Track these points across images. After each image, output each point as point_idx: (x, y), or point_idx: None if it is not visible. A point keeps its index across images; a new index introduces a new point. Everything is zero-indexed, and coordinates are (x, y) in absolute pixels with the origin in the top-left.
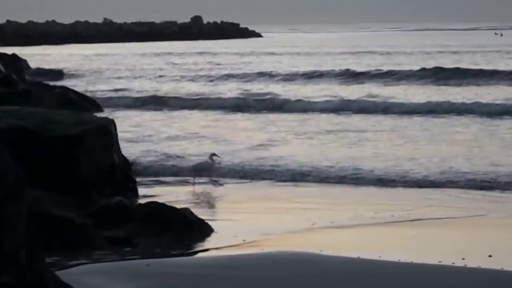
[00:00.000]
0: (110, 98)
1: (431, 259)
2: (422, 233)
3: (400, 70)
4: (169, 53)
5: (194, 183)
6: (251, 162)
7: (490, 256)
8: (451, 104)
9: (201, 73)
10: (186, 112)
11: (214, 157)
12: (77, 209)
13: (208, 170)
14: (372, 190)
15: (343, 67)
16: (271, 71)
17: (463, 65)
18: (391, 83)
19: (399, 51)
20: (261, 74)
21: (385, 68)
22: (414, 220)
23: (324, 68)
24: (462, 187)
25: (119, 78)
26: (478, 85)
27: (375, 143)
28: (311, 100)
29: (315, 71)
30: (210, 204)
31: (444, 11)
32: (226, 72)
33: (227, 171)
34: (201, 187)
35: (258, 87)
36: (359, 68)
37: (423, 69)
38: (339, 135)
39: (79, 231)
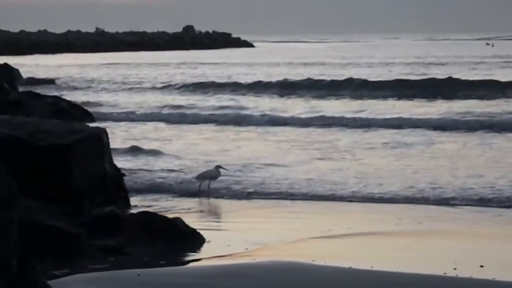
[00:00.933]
0: None
1: (422, 269)
2: (413, 243)
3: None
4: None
5: (199, 190)
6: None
7: (481, 266)
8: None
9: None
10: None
11: (220, 169)
12: (69, 218)
13: (213, 179)
14: (360, 204)
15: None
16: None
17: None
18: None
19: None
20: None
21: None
22: (405, 230)
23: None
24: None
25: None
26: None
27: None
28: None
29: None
30: (203, 214)
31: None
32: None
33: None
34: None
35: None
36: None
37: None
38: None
39: (71, 240)
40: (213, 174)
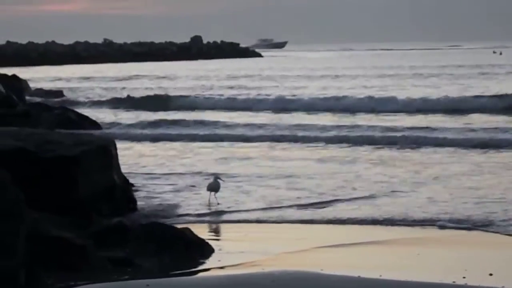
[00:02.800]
0: None
1: (432, 277)
2: (422, 252)
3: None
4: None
5: (211, 199)
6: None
7: (490, 274)
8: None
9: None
10: None
11: (218, 180)
12: (76, 230)
13: (218, 188)
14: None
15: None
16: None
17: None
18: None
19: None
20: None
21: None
22: (414, 238)
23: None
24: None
25: None
26: None
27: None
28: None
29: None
30: (212, 224)
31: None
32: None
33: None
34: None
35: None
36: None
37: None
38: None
39: (79, 251)
40: (217, 185)
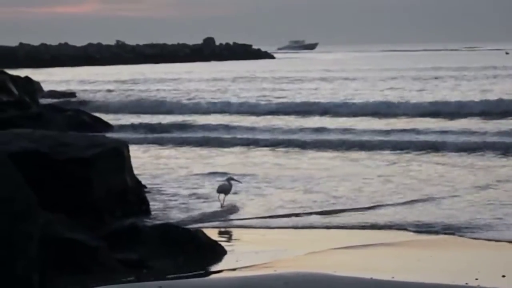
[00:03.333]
0: None
1: (444, 279)
2: (435, 253)
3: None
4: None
5: (220, 201)
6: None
7: (503, 276)
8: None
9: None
10: None
11: (232, 181)
12: (89, 232)
13: (228, 191)
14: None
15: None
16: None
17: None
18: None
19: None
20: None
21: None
22: (426, 240)
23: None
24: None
25: None
26: None
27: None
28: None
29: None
30: (225, 225)
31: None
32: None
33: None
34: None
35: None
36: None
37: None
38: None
39: (92, 253)
40: (227, 187)
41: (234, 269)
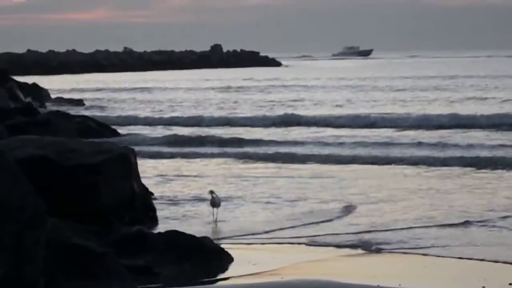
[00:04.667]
0: None
1: (451, 286)
2: (441, 261)
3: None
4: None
5: (214, 215)
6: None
7: (510, 284)
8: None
9: None
10: None
11: (213, 194)
12: (96, 238)
13: (217, 205)
14: None
15: None
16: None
17: None
18: None
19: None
20: None
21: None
22: (432, 247)
23: None
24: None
25: None
26: None
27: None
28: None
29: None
30: (231, 233)
31: None
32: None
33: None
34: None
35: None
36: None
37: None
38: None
39: (99, 259)
40: (218, 200)
41: (241, 276)
